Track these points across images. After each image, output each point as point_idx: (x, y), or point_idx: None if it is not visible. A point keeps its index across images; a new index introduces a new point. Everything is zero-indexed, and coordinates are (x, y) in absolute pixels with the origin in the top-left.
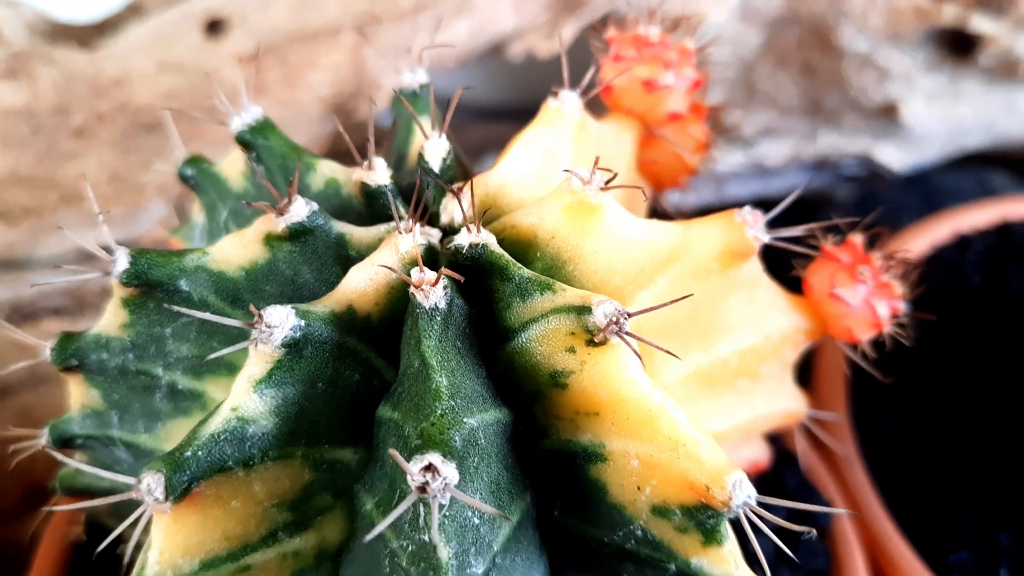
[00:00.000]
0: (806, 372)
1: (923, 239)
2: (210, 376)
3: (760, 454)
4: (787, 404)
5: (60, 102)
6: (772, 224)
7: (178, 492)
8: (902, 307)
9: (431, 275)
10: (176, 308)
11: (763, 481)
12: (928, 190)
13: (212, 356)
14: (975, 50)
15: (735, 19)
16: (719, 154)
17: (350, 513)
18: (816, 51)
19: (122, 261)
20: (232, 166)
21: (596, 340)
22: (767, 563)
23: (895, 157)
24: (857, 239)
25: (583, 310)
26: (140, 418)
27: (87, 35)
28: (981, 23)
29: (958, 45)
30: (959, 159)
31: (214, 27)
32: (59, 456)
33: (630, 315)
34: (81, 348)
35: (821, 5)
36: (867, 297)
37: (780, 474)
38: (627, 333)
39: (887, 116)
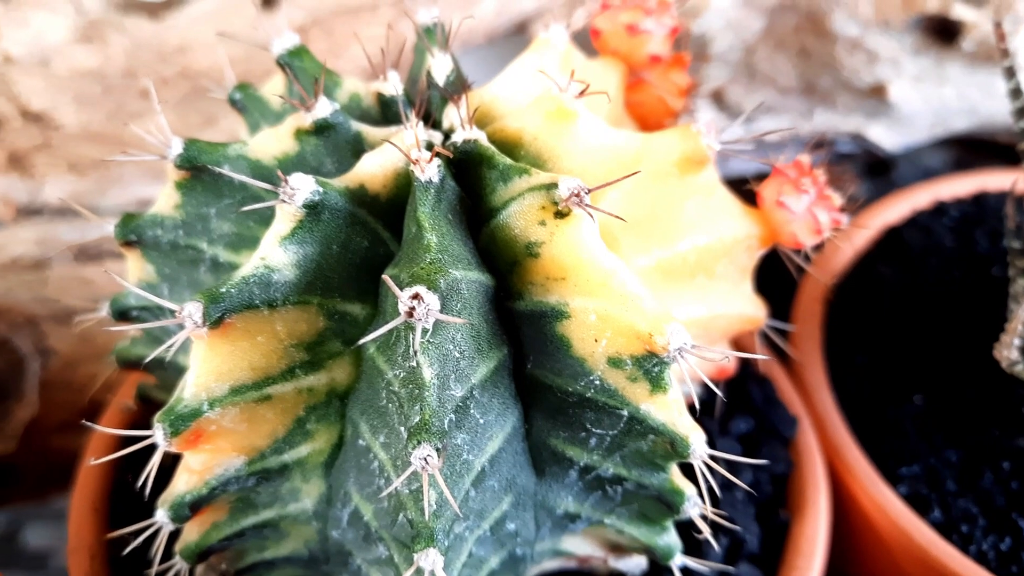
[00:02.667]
0: (786, 311)
1: (904, 204)
2: (246, 251)
3: (726, 359)
4: (744, 307)
5: (129, 66)
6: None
7: (213, 319)
8: (843, 218)
9: (427, 154)
10: (225, 177)
11: (732, 395)
12: None
13: (247, 208)
14: (958, 36)
15: (738, 5)
16: (724, 130)
17: (357, 360)
18: (811, 36)
19: (176, 146)
20: (272, 90)
21: (562, 211)
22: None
23: (885, 136)
24: (804, 158)
25: (551, 186)
26: (186, 288)
27: (155, 8)
28: (963, 11)
29: (942, 31)
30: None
31: (268, 1)
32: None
33: (589, 190)
34: (140, 225)
35: None
36: (809, 206)
37: (748, 390)
38: (587, 205)
39: (877, 96)
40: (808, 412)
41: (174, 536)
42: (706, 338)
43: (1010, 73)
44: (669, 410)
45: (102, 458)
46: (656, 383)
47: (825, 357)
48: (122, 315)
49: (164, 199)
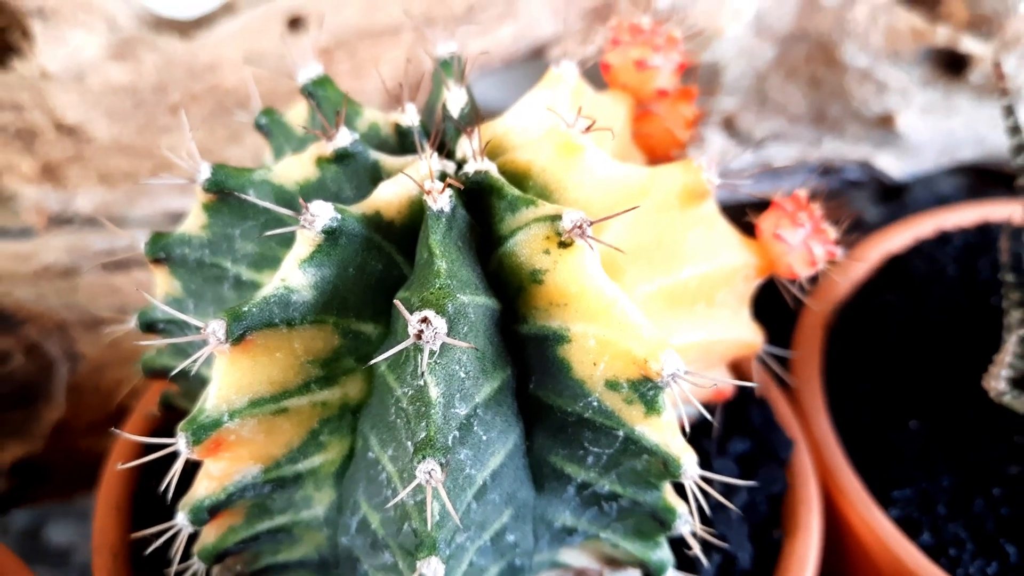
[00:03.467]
0: (789, 337)
1: (908, 233)
2: (268, 270)
3: (725, 382)
4: (742, 333)
5: (160, 82)
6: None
7: (235, 336)
8: (838, 251)
9: (439, 185)
10: (246, 199)
11: (732, 417)
12: None
13: (270, 233)
14: (966, 69)
15: (751, 34)
16: (733, 157)
17: (369, 377)
18: (822, 65)
19: (205, 171)
20: (295, 117)
21: (565, 241)
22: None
23: (893, 165)
24: (802, 193)
25: (556, 217)
26: (211, 304)
27: (186, 27)
28: (971, 44)
29: (951, 63)
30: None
31: (295, 23)
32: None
33: (592, 222)
34: (168, 243)
35: (827, 24)
36: (805, 239)
37: (748, 412)
38: (589, 236)
39: (885, 126)
40: (805, 435)
41: (193, 537)
42: (705, 362)
43: (1008, 111)
44: (663, 432)
45: (127, 463)
46: (651, 406)
47: (824, 382)
48: (149, 327)
49: (192, 219)
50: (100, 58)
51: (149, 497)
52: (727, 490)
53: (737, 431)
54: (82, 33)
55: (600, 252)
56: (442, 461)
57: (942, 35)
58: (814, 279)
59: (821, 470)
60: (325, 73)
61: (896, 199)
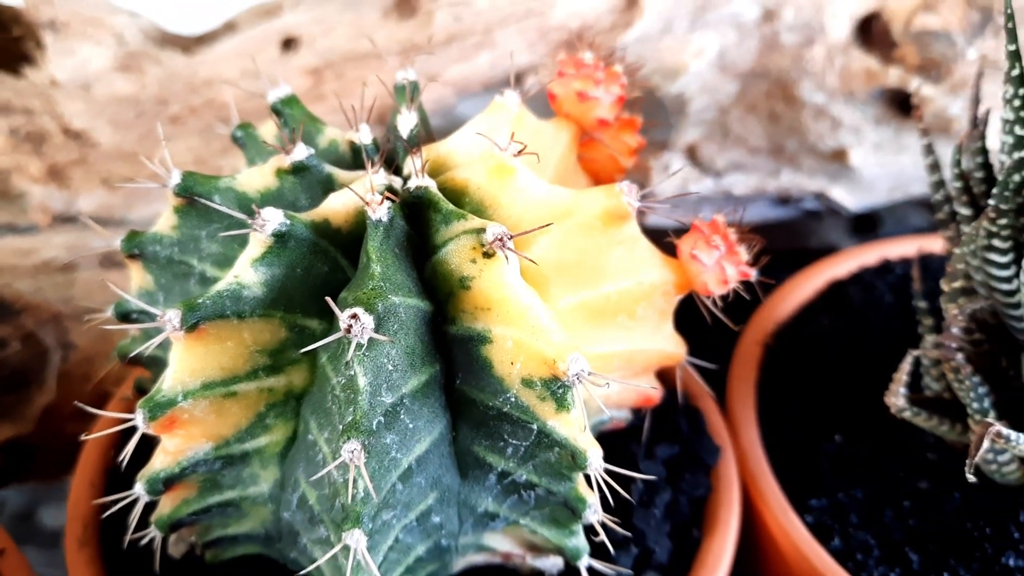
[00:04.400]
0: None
1: (853, 261)
2: (229, 268)
3: (652, 390)
4: (664, 345)
5: (161, 94)
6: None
7: (189, 324)
8: (752, 272)
9: (378, 197)
10: (217, 207)
11: (662, 424)
12: None
13: (228, 233)
14: (916, 109)
15: (715, 70)
16: (694, 183)
17: (312, 367)
18: (781, 101)
19: (176, 177)
20: (268, 131)
21: (488, 252)
22: (663, 484)
23: (847, 197)
24: (720, 218)
25: (481, 230)
26: (179, 297)
27: (188, 43)
28: (921, 86)
29: (902, 104)
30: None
31: (288, 44)
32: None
33: (512, 236)
34: (142, 241)
35: (787, 63)
36: (719, 260)
37: (677, 420)
38: (509, 248)
39: (839, 160)
40: (734, 444)
41: (153, 508)
42: (630, 370)
43: (928, 149)
44: (571, 427)
45: (97, 436)
46: (560, 403)
47: (757, 395)
48: (124, 317)
49: (163, 220)
50: (106, 70)
51: (121, 475)
52: (651, 489)
53: (667, 437)
54: (90, 46)
55: (531, 265)
56: (364, 443)
57: (894, 76)
58: (752, 299)
59: (745, 477)
60: (292, 93)
61: (871, 231)
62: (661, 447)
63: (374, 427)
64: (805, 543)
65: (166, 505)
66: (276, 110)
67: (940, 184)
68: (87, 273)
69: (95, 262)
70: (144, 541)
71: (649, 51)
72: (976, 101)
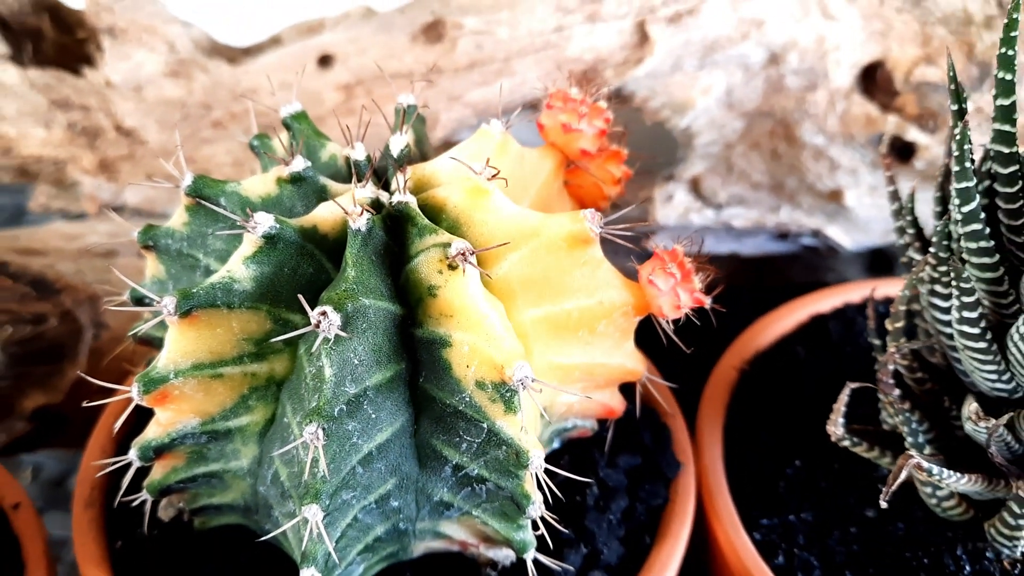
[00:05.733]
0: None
1: (838, 297)
2: None
3: (614, 402)
4: (625, 362)
5: (206, 100)
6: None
7: (183, 310)
8: (706, 299)
9: (359, 209)
10: (217, 209)
11: (624, 433)
12: None
13: (226, 232)
14: (912, 156)
15: (722, 108)
16: (695, 214)
17: (293, 357)
18: (783, 141)
19: (188, 179)
20: (281, 143)
21: (452, 265)
22: (622, 492)
23: (844, 237)
24: (679, 248)
25: (447, 245)
26: (185, 286)
27: (235, 54)
28: (917, 134)
29: (899, 150)
30: None
31: (324, 60)
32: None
33: (474, 251)
34: (156, 234)
35: (791, 105)
36: (674, 286)
37: (641, 431)
38: (471, 263)
39: (835, 200)
40: (696, 460)
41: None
42: (591, 382)
43: (894, 196)
44: (517, 428)
45: (113, 415)
46: (508, 405)
47: (725, 417)
48: (138, 301)
49: (176, 217)
50: (157, 74)
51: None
52: (608, 495)
53: (632, 449)
54: (145, 52)
55: (499, 278)
56: (325, 427)
57: (891, 123)
58: (676, 321)
59: (703, 492)
60: (303, 109)
61: (889, 270)
62: (624, 457)
63: (335, 414)
64: (750, 558)
65: (157, 472)
66: (286, 124)
67: (903, 229)
68: (125, 259)
69: (133, 250)
70: (136, 503)
71: (659, 86)
72: (950, 152)
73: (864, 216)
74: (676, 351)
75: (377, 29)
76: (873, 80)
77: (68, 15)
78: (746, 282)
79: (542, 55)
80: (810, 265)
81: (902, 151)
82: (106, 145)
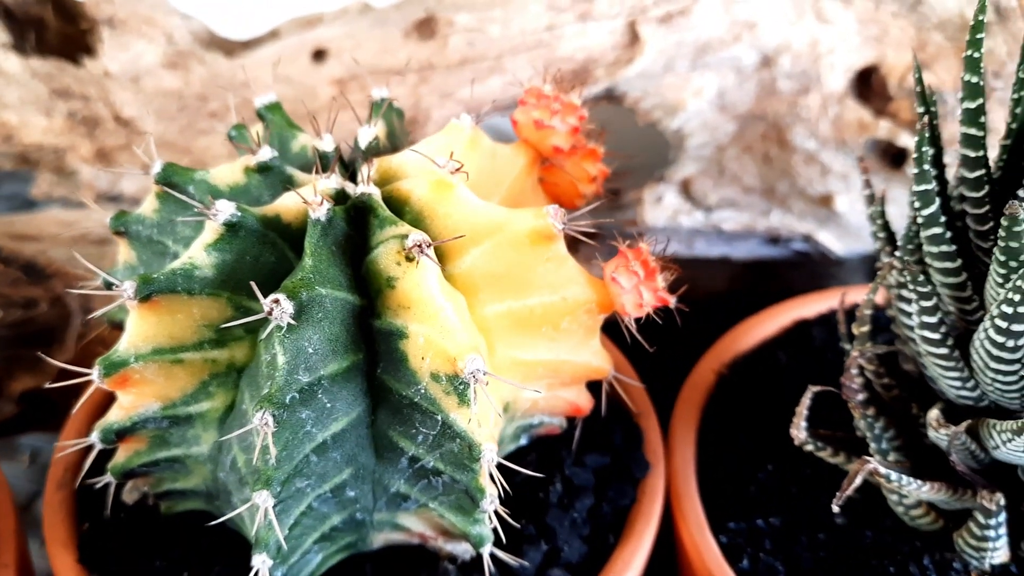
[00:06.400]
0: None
1: (823, 303)
2: None
3: (581, 400)
4: (590, 360)
5: (202, 92)
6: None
7: (142, 295)
8: (671, 299)
9: (319, 199)
10: (183, 198)
11: (594, 432)
12: None
13: (187, 219)
14: (904, 162)
15: (714, 110)
16: (685, 216)
17: (253, 345)
18: (775, 145)
19: (157, 167)
20: (257, 134)
21: (410, 257)
22: (588, 490)
23: (834, 242)
24: (644, 246)
25: (404, 237)
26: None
27: (232, 47)
28: (908, 140)
29: (891, 155)
30: None
31: (319, 55)
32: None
33: (431, 243)
34: (127, 220)
35: (783, 109)
36: (636, 285)
37: (611, 430)
38: (427, 255)
39: (825, 205)
40: (667, 462)
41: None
42: (557, 379)
43: (870, 199)
44: (470, 421)
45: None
46: (462, 398)
47: (700, 419)
48: (108, 286)
49: (147, 203)
50: (155, 65)
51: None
52: (573, 493)
53: (601, 447)
54: (144, 43)
55: (462, 272)
56: (275, 414)
57: (884, 129)
58: (638, 320)
59: (672, 493)
60: (277, 100)
61: None
62: (593, 456)
63: (287, 401)
64: (714, 561)
65: (121, 455)
66: (260, 115)
67: (877, 236)
68: (116, 247)
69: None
70: (99, 486)
71: (651, 87)
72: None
73: (855, 222)
74: (659, 350)
75: (372, 24)
76: (867, 85)
77: (70, 5)
78: (742, 287)
79: (534, 53)
80: (810, 271)
81: (895, 157)
82: (104, 135)
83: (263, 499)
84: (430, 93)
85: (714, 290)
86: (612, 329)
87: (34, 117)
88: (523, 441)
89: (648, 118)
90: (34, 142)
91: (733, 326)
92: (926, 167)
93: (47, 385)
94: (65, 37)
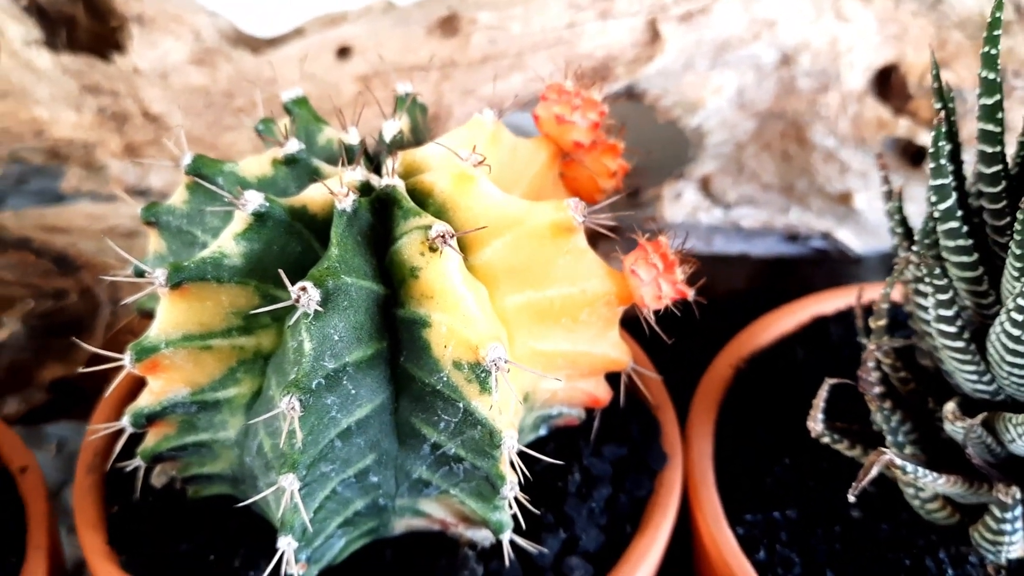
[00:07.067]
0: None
1: (841, 299)
2: None
3: (600, 391)
4: (608, 351)
5: (229, 88)
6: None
7: (173, 282)
8: (689, 291)
9: (345, 190)
10: (212, 188)
11: (611, 424)
12: None
13: (215, 209)
14: (923, 161)
15: (733, 108)
16: (704, 213)
17: (280, 332)
18: (794, 142)
19: (187, 159)
20: (284, 128)
21: (433, 247)
22: (606, 480)
23: (853, 240)
24: (663, 239)
25: (428, 228)
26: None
27: (259, 44)
28: (928, 138)
29: (910, 153)
30: None
31: (343, 52)
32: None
33: (454, 234)
34: (158, 211)
35: (802, 107)
36: (655, 277)
37: (629, 422)
38: (450, 245)
39: (844, 203)
40: (685, 454)
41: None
42: (575, 370)
43: (888, 196)
44: (491, 409)
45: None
46: (483, 386)
47: (718, 412)
48: (140, 275)
49: (177, 194)
50: (183, 62)
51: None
52: (592, 483)
53: (619, 439)
54: (172, 40)
55: (483, 263)
56: (302, 399)
57: (903, 127)
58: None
59: (690, 485)
60: (304, 95)
61: None
62: (610, 447)
63: (313, 387)
64: (731, 552)
65: (150, 439)
66: (287, 109)
67: (895, 232)
68: (145, 240)
69: None
70: (131, 471)
71: (671, 84)
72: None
73: (874, 220)
74: (679, 346)
75: (395, 22)
76: (887, 83)
77: (100, 3)
78: (762, 284)
79: (554, 51)
80: (829, 269)
81: (914, 156)
82: (133, 130)
83: (289, 482)
84: (452, 90)
85: (732, 287)
86: (629, 322)
87: (64, 113)
88: (542, 431)
89: (668, 116)
90: (64, 137)
91: (751, 322)
92: (943, 161)
93: (81, 370)
94: (95, 34)
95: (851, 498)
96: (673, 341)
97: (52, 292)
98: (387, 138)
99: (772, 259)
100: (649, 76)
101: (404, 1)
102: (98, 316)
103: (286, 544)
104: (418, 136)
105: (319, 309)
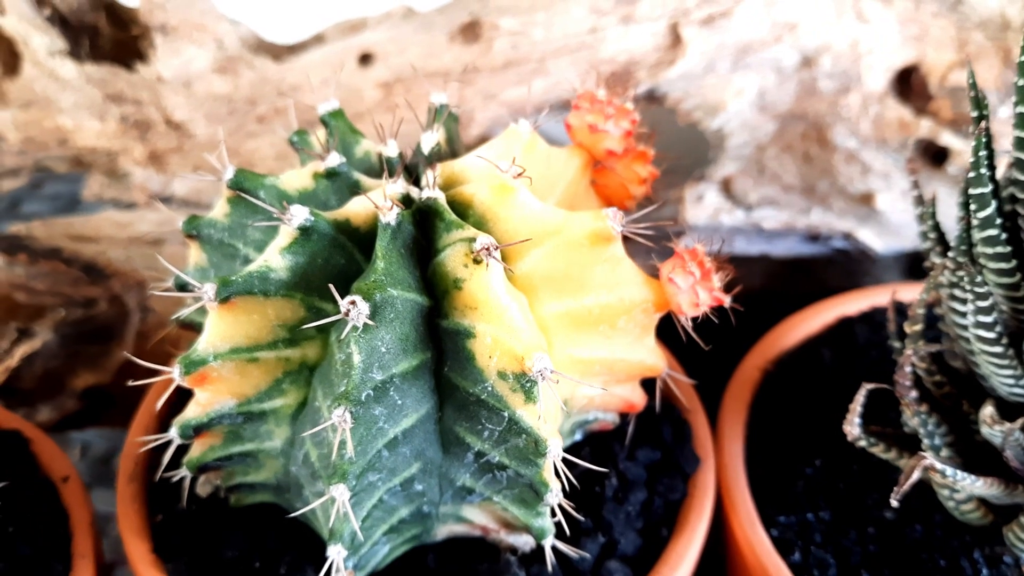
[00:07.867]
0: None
1: (866, 300)
2: None
3: (635, 397)
4: (645, 357)
5: (251, 95)
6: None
7: (222, 297)
8: (726, 298)
9: (389, 204)
10: (255, 202)
11: (643, 428)
12: None
13: (263, 223)
14: (945, 160)
15: (754, 110)
16: (725, 215)
17: (325, 344)
18: (815, 144)
19: (229, 173)
20: (318, 139)
21: (477, 259)
22: (640, 485)
23: (875, 240)
24: (700, 247)
25: (472, 239)
26: (225, 274)
27: (280, 52)
28: (950, 139)
29: (932, 154)
30: None
31: (365, 59)
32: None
33: (498, 247)
34: (199, 224)
35: (823, 108)
36: (693, 285)
37: (661, 426)
38: (494, 257)
39: (866, 204)
40: (717, 457)
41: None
42: (612, 376)
43: (919, 200)
44: (536, 418)
45: (159, 394)
46: (528, 395)
47: (748, 415)
48: (181, 288)
49: (218, 208)
50: (206, 70)
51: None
52: (627, 488)
53: (652, 443)
54: (195, 48)
55: (522, 273)
56: (352, 411)
57: (925, 128)
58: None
59: (722, 488)
60: (340, 107)
61: (925, 275)
62: (644, 451)
63: (363, 398)
64: (766, 554)
65: (196, 450)
66: (324, 121)
67: (926, 233)
68: (171, 248)
69: (179, 239)
70: (175, 480)
71: (692, 87)
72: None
73: (896, 220)
74: (702, 350)
75: (417, 29)
76: (907, 84)
77: (123, 12)
78: (781, 284)
79: (576, 56)
80: (846, 269)
81: (936, 156)
82: (156, 138)
83: (340, 492)
84: (474, 95)
85: (752, 287)
86: (660, 328)
87: (88, 121)
88: (577, 437)
89: (689, 118)
90: (88, 145)
91: (775, 323)
92: (983, 171)
93: (130, 383)
94: (118, 43)
95: (893, 503)
96: (694, 342)
97: (82, 301)
98: (425, 150)
99: (790, 259)
100: (671, 79)
101: (425, 7)
102: (128, 324)
103: (336, 552)
104: (453, 147)
105: (368, 322)
